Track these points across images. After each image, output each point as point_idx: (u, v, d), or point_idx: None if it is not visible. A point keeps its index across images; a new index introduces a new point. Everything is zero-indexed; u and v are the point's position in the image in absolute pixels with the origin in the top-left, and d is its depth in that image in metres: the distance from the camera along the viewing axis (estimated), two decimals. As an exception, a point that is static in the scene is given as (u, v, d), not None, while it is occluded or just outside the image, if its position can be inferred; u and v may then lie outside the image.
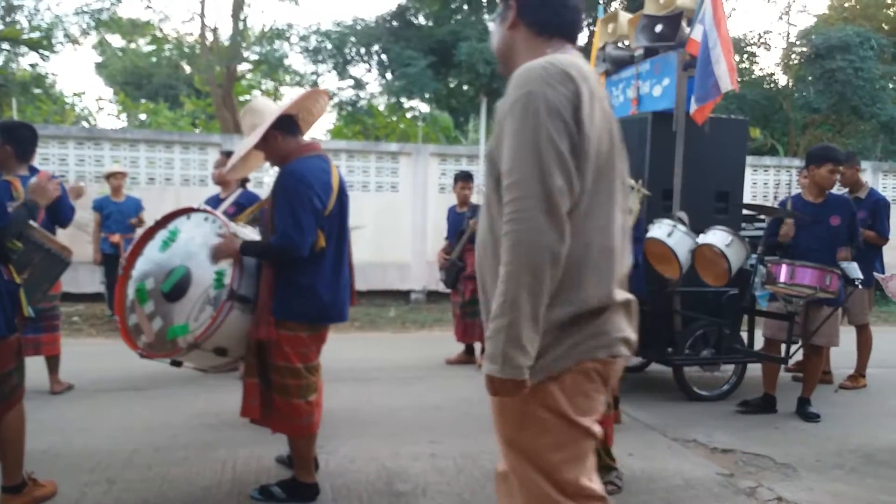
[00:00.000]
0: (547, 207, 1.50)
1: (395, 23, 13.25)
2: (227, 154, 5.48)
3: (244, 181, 5.29)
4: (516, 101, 1.57)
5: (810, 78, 13.14)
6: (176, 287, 3.07)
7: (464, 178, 6.20)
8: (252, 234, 3.27)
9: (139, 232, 4.08)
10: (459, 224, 6.06)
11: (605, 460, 3.39)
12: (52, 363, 4.88)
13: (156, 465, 3.54)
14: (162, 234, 3.30)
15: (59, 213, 4.76)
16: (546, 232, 1.49)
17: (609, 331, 1.67)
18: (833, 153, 4.74)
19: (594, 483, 1.72)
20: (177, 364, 3.22)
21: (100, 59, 23.06)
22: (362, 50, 12.90)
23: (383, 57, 12.85)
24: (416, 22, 13.60)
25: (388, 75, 12.58)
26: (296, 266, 2.94)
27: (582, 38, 13.79)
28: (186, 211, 3.31)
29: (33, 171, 4.60)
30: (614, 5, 12.71)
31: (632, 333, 1.74)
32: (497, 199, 1.60)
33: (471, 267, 6.03)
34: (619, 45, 5.83)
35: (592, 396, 1.70)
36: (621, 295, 1.71)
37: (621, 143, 1.78)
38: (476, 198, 6.35)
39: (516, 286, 1.49)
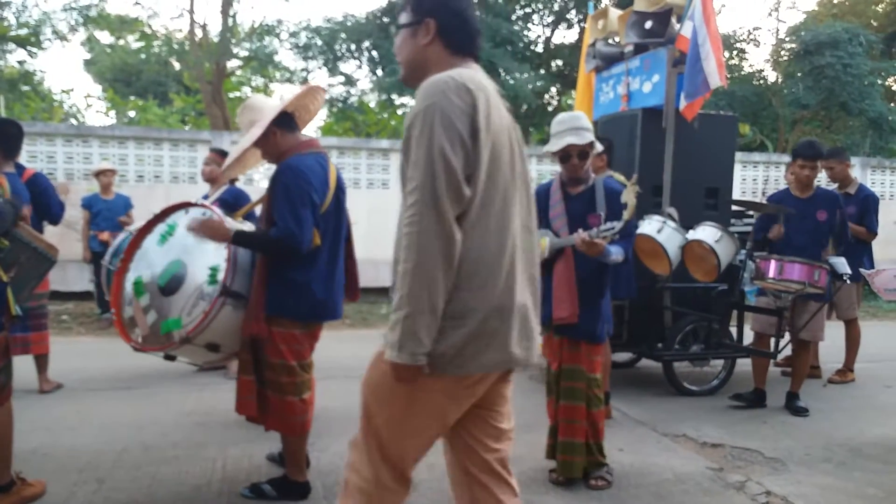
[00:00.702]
0: (437, 212, 1.65)
1: (385, 19, 13.19)
2: (217, 151, 5.44)
3: (233, 179, 5.26)
4: (419, 112, 1.71)
5: (799, 74, 13.20)
6: (171, 281, 3.07)
7: None
8: (250, 229, 3.25)
9: (131, 228, 4.06)
10: None
11: (596, 456, 3.40)
12: (41, 362, 4.85)
13: (145, 464, 3.53)
14: (160, 228, 3.30)
15: (49, 210, 4.73)
16: (436, 234, 1.65)
17: (509, 346, 1.81)
18: (801, 149, 4.78)
19: (410, 471, 1.93)
20: (170, 358, 3.21)
21: (88, 56, 22.89)
22: (353, 46, 12.85)
23: (374, 53, 12.81)
24: (406, 18, 13.58)
25: (379, 72, 12.54)
26: (290, 263, 2.92)
27: (572, 35, 13.81)
28: (185, 205, 3.30)
29: (20, 168, 4.57)
30: (604, 2, 12.72)
31: (522, 349, 1.86)
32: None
33: None
34: (610, 41, 5.84)
35: (465, 403, 1.88)
36: (521, 295, 1.84)
37: (522, 148, 1.92)
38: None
39: (412, 283, 1.65)
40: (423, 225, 1.64)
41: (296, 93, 3.13)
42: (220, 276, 2.94)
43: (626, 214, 3.12)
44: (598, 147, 3.40)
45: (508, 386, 1.99)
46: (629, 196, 3.18)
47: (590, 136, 3.28)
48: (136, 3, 15.76)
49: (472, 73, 1.79)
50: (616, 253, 3.24)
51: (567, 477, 3.38)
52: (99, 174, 7.42)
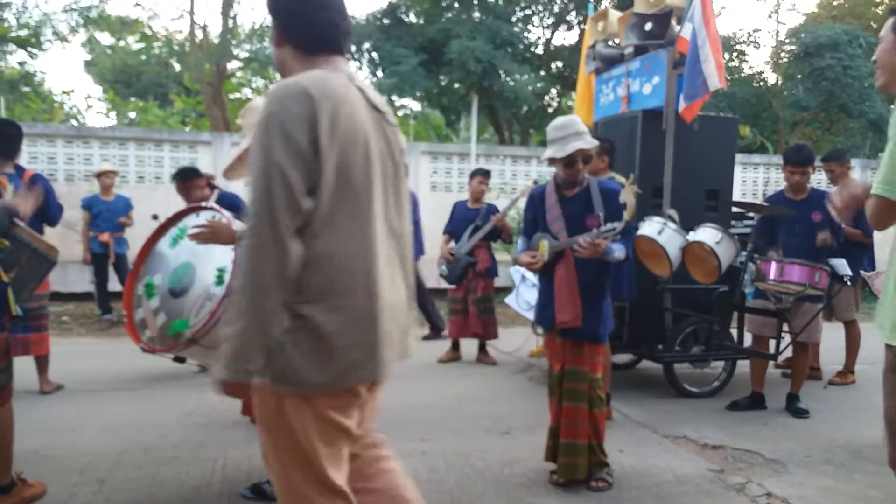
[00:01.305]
0: (271, 227, 1.61)
1: (385, 21, 13.20)
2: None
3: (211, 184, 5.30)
4: (260, 122, 1.67)
5: (799, 76, 13.20)
6: (180, 283, 3.10)
7: (482, 174, 6.19)
8: None
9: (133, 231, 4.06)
10: (469, 220, 6.04)
11: (598, 456, 3.40)
12: (42, 363, 4.85)
13: (146, 465, 3.53)
14: (172, 232, 3.34)
15: (48, 211, 4.73)
16: (270, 249, 1.61)
17: (375, 354, 1.78)
18: (790, 154, 4.85)
19: (342, 481, 1.83)
20: (180, 360, 3.22)
21: (89, 57, 22.90)
22: (353, 48, 12.86)
23: (374, 55, 12.81)
24: (406, 20, 13.56)
25: (379, 73, 12.55)
26: None
27: (572, 37, 13.81)
28: (196, 209, 3.35)
29: (19, 169, 4.57)
30: (604, 3, 12.73)
31: (390, 355, 1.84)
32: None
33: (481, 263, 6.02)
34: (610, 43, 5.84)
35: (352, 411, 1.83)
36: (386, 302, 1.81)
37: (394, 148, 1.90)
38: (466, 195, 6.35)
39: (245, 298, 1.62)
40: (257, 240, 1.61)
41: None
42: (227, 277, 2.96)
43: (626, 215, 3.13)
44: (593, 141, 3.41)
45: (376, 394, 1.96)
46: (628, 196, 3.19)
47: (594, 140, 3.30)
48: (137, 5, 15.79)
49: (321, 76, 1.74)
50: (618, 251, 3.25)
51: (569, 479, 3.38)
52: (100, 175, 7.42)
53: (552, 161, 3.36)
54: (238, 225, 3.05)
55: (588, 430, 3.35)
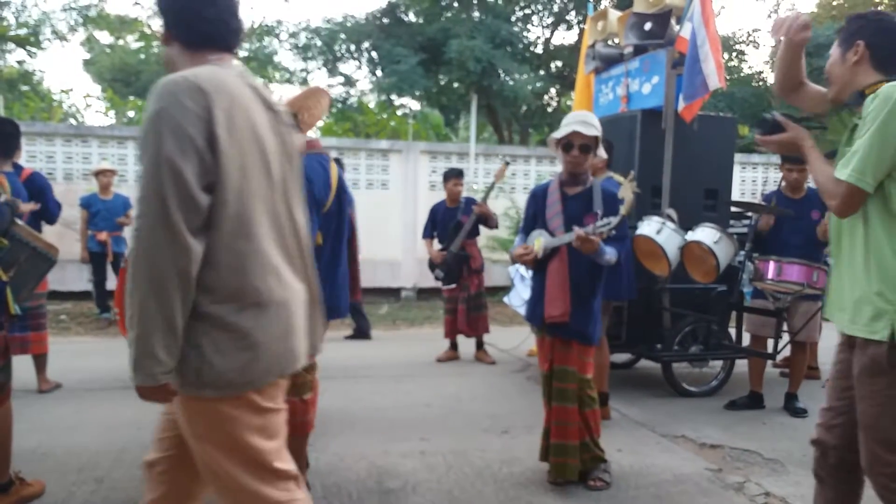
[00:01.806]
0: (167, 225, 1.56)
1: (385, 20, 13.19)
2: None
3: None
4: (148, 118, 1.62)
5: (798, 76, 13.20)
6: None
7: (456, 175, 6.21)
8: None
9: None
10: (450, 221, 6.06)
11: (594, 451, 3.40)
12: (40, 362, 4.85)
13: (144, 464, 3.52)
14: None
15: (46, 210, 4.73)
16: (166, 248, 1.57)
17: (294, 349, 1.82)
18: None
19: (287, 463, 1.84)
20: None
21: (88, 56, 22.88)
22: (352, 47, 12.85)
23: (373, 54, 12.80)
24: (406, 19, 13.54)
25: (379, 72, 12.54)
26: None
27: (571, 37, 13.80)
28: None
29: (18, 168, 4.57)
30: (604, 3, 12.73)
31: (301, 348, 1.87)
32: None
33: (475, 260, 6.04)
34: (609, 42, 5.85)
35: (278, 394, 1.87)
36: (291, 297, 1.82)
37: (282, 148, 1.87)
38: (466, 194, 6.35)
39: (145, 301, 1.58)
40: (152, 240, 1.56)
41: (297, 94, 3.15)
42: None
43: (623, 210, 3.12)
44: (602, 154, 3.41)
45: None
46: (626, 192, 3.19)
47: (596, 132, 3.28)
48: (136, 3, 15.72)
49: (213, 72, 1.72)
50: (610, 254, 3.23)
51: (561, 479, 3.38)
52: (98, 174, 7.42)
53: (556, 147, 3.36)
54: None
55: (578, 430, 3.34)
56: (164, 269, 1.57)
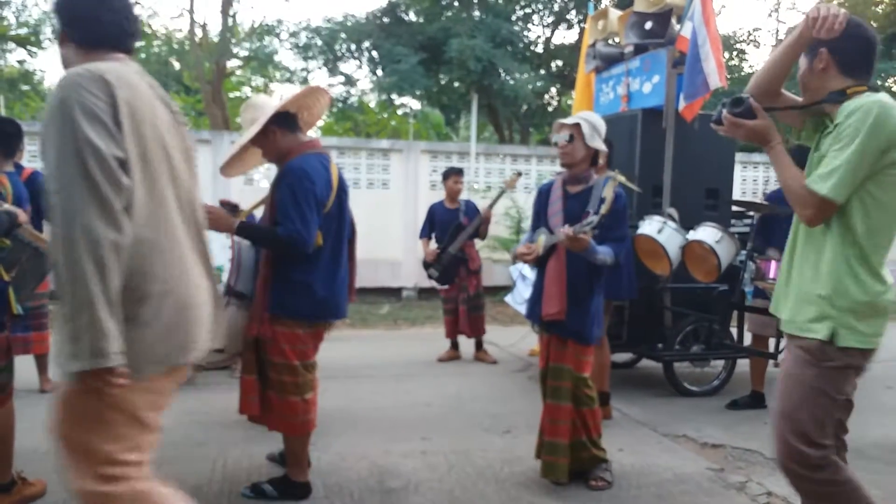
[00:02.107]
0: (98, 204, 1.59)
1: (385, 19, 13.19)
2: None
3: None
4: (54, 108, 1.64)
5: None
6: None
7: (456, 173, 6.20)
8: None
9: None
10: (450, 220, 6.05)
11: (592, 451, 3.41)
12: (42, 361, 4.85)
13: (146, 464, 3.53)
14: None
15: (47, 209, 4.73)
16: (100, 227, 1.59)
17: (193, 336, 1.85)
18: (790, 153, 4.78)
19: (135, 455, 1.80)
20: None
21: (88, 56, 22.89)
22: (353, 46, 12.84)
23: (374, 54, 12.80)
24: (406, 19, 13.55)
25: (379, 72, 12.54)
26: (292, 263, 2.93)
27: (572, 36, 13.79)
28: None
29: (18, 168, 4.57)
30: (605, 2, 12.72)
31: (205, 337, 1.91)
32: None
33: (473, 261, 6.04)
34: (610, 42, 5.86)
35: (165, 394, 1.88)
36: (197, 289, 1.87)
37: (182, 145, 1.92)
38: (466, 193, 6.35)
39: (89, 283, 1.57)
40: (82, 221, 1.57)
41: (296, 92, 3.13)
42: (225, 276, 2.97)
43: (603, 209, 3.13)
44: (600, 147, 3.39)
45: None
46: (608, 191, 3.20)
47: (582, 124, 3.30)
48: (137, 3, 15.68)
49: (114, 65, 1.77)
50: (604, 254, 3.21)
51: (552, 479, 3.37)
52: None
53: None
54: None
55: (571, 429, 3.34)
56: (101, 250, 1.58)
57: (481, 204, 6.18)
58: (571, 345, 3.33)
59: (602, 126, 3.40)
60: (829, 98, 2.19)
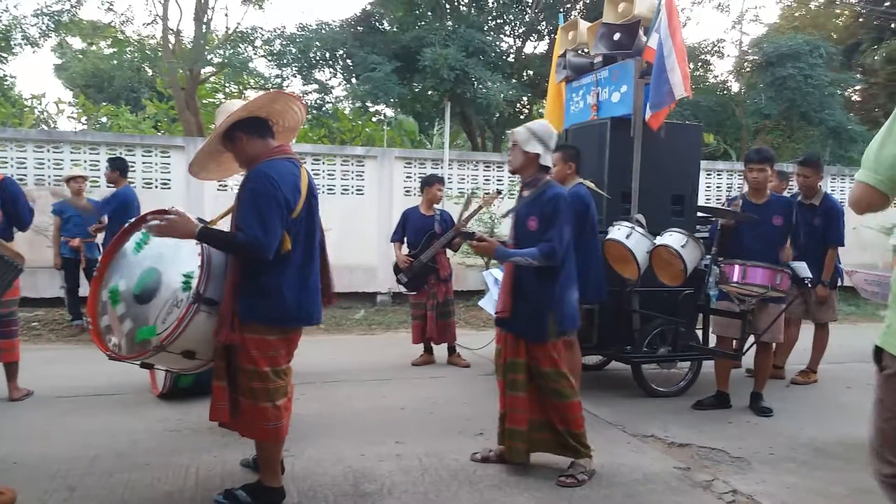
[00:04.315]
0: None
1: (359, 28, 13.20)
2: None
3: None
4: None
5: (761, 85, 13.46)
6: (146, 289, 3.05)
7: (439, 181, 6.26)
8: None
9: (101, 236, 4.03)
10: (424, 227, 6.09)
11: (570, 442, 3.56)
12: (11, 369, 4.79)
13: (117, 472, 3.50)
14: (136, 237, 3.27)
15: (18, 216, 4.69)
16: None
17: None
18: (749, 153, 4.95)
19: None
20: (147, 366, 3.19)
21: (59, 62, 22.52)
22: (327, 54, 12.84)
23: (348, 61, 12.81)
24: (380, 27, 13.59)
25: (353, 80, 12.55)
26: (261, 268, 2.91)
27: (543, 46, 13.93)
28: (160, 213, 3.23)
29: (-10, 174, 4.53)
30: (574, 14, 12.90)
31: None
32: None
33: (443, 270, 6.09)
34: (580, 52, 5.96)
35: None
36: None
37: None
38: (445, 203, 6.41)
39: None
40: None
41: (259, 97, 3.05)
42: (195, 282, 2.94)
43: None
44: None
45: None
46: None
47: (518, 131, 3.56)
48: (109, 9, 15.46)
49: None
50: (524, 255, 3.42)
51: (513, 461, 3.62)
52: (69, 181, 7.35)
53: None
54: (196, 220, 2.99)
55: (527, 417, 3.57)
56: None
57: (454, 210, 6.24)
58: (524, 342, 3.54)
59: (544, 132, 3.55)
60: None
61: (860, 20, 18.54)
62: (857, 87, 17.35)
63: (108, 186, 7.59)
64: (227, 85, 19.25)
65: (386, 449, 3.92)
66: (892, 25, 18.20)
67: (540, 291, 3.48)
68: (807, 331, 5.86)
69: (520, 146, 3.54)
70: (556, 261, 3.42)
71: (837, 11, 19.36)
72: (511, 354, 3.58)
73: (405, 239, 6.26)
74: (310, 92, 13.56)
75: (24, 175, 8.78)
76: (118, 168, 7.09)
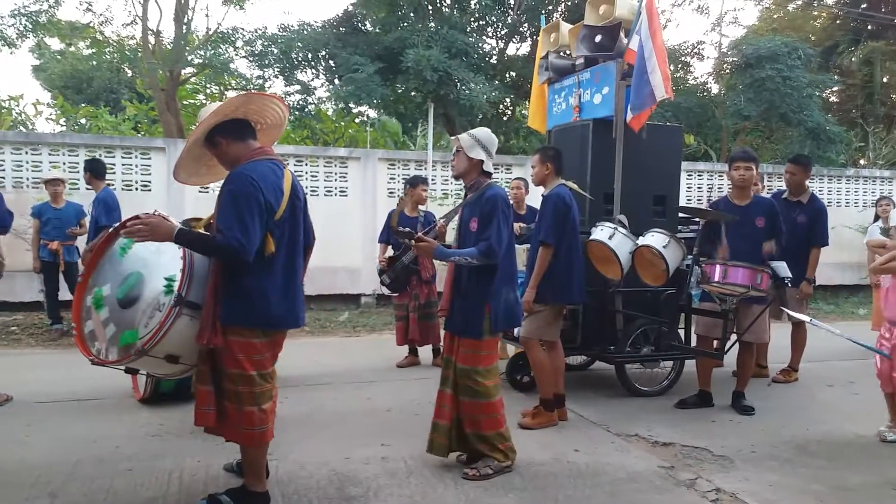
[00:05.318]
0: None
1: (342, 29, 13.15)
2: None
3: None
4: None
5: (741, 86, 13.59)
6: (129, 293, 3.03)
7: (423, 182, 6.27)
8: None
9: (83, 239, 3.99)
10: (409, 228, 6.08)
11: (475, 445, 3.63)
12: (-12, 376, 4.73)
13: (99, 478, 3.47)
14: (120, 241, 3.25)
15: (-4, 220, 4.64)
16: None
17: None
18: (734, 153, 5.04)
19: None
20: (132, 371, 3.16)
21: (37, 63, 22.20)
22: (309, 55, 12.77)
23: (331, 62, 12.76)
24: (363, 28, 13.54)
25: (336, 81, 12.50)
26: (245, 270, 2.89)
27: (525, 48, 13.97)
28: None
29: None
30: (556, 16, 12.96)
31: None
32: None
33: (425, 271, 6.09)
34: (561, 54, 5.99)
35: None
36: None
37: None
38: (428, 204, 6.39)
39: None
40: None
41: (232, 100, 3.03)
42: (176, 286, 2.92)
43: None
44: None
45: None
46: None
47: (462, 137, 3.69)
48: (88, 10, 15.25)
49: None
50: (462, 255, 3.52)
51: (435, 454, 3.70)
52: (47, 183, 7.26)
53: None
54: (174, 222, 2.97)
55: (449, 413, 3.64)
56: None
57: (438, 211, 6.24)
58: (456, 339, 3.64)
59: (487, 139, 3.67)
60: None
61: (837, 22, 18.82)
62: (835, 89, 17.57)
63: (88, 189, 7.51)
64: (207, 86, 19.09)
65: (371, 452, 3.92)
66: (869, 27, 18.51)
67: (476, 289, 3.58)
68: (776, 329, 5.91)
69: (464, 152, 3.64)
70: (496, 259, 3.49)
71: (815, 14, 19.63)
72: (447, 351, 3.74)
73: (391, 240, 6.26)
74: (292, 93, 13.47)
75: (2, 178, 8.66)
76: (89, 169, 7.01)
